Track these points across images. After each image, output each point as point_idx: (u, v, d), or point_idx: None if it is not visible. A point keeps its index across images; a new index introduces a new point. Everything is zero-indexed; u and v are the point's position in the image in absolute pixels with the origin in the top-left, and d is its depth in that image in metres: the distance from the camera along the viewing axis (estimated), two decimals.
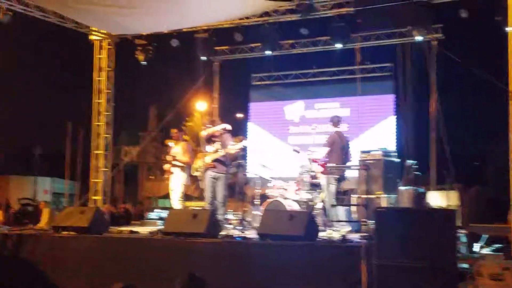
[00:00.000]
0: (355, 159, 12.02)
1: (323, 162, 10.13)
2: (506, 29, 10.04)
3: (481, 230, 9.00)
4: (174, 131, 11.41)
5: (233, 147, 10.16)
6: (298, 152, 10.96)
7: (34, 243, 9.33)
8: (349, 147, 10.31)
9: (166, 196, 31.91)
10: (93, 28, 14.34)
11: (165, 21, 13.03)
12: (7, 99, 23.88)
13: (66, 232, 9.32)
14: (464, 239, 8.50)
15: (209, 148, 10.12)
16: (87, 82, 14.95)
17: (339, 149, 9.75)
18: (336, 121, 10.13)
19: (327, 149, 9.82)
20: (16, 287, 8.70)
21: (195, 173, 10.37)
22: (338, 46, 14.03)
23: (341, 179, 10.02)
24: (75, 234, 9.23)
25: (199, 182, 10.49)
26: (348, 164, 10.39)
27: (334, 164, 9.89)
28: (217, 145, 10.11)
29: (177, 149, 10.97)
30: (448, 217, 6.76)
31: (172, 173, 10.90)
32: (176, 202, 10.88)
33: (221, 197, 10.02)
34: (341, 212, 9.79)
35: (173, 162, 10.81)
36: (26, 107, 25.10)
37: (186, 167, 10.78)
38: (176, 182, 10.88)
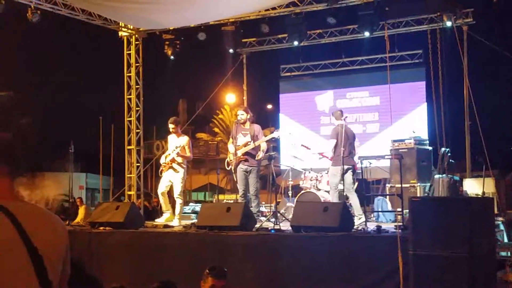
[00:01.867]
0: (387, 148, 11.97)
1: (331, 156, 10.04)
2: None
3: None
4: (172, 123, 10.43)
5: (263, 139, 10.11)
6: (309, 149, 10.92)
7: (72, 239, 9.43)
8: (354, 140, 10.15)
9: (200, 189, 32.25)
10: (122, 24, 14.45)
11: (191, 15, 13.06)
12: (40, 97, 24.25)
13: (103, 228, 9.45)
14: (502, 226, 8.39)
15: (239, 141, 10.09)
16: (118, 78, 15.08)
17: (342, 141, 9.59)
18: (338, 114, 10.00)
19: (334, 141, 9.70)
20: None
21: (228, 167, 10.29)
22: (366, 34, 13.90)
23: (352, 169, 9.87)
24: (111, 230, 9.35)
25: (232, 175, 10.41)
26: (373, 154, 10.30)
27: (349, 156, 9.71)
28: (247, 137, 10.06)
29: (178, 143, 10.25)
30: (485, 205, 6.68)
31: (172, 167, 10.24)
32: (176, 196, 10.32)
33: (253, 190, 10.00)
34: (354, 202, 9.69)
35: (175, 157, 10.16)
36: (59, 104, 25.49)
37: (185, 162, 10.39)
38: (177, 177, 10.27)
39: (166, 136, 11.08)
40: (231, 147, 10.22)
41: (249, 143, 9.99)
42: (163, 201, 10.41)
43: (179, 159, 10.20)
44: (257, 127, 10.22)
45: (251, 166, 10.00)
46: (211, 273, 4.67)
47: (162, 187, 10.35)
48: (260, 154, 9.99)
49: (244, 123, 10.15)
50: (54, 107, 25.65)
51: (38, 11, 12.51)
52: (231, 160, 10.11)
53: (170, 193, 10.35)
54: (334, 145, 9.70)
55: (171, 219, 10.17)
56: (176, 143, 10.22)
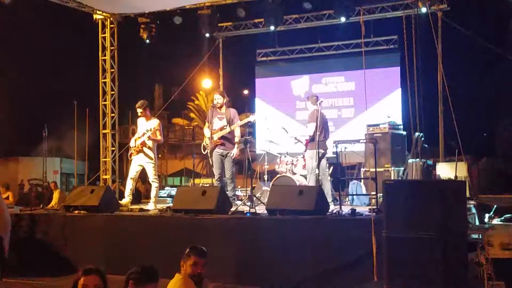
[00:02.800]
0: (362, 132, 12.07)
1: (306, 139, 10.15)
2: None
3: (491, 201, 9.01)
4: (140, 108, 10.28)
5: (239, 123, 10.11)
6: (287, 132, 10.99)
7: (46, 223, 9.44)
8: (327, 124, 10.31)
9: (175, 174, 32.17)
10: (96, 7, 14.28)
11: None
12: (13, 81, 23.92)
13: (77, 211, 9.42)
14: (473, 209, 8.52)
15: (215, 125, 10.07)
16: (93, 62, 14.93)
17: (319, 126, 9.73)
18: (314, 99, 10.11)
19: (314, 124, 9.80)
20: (27, 267, 8.82)
21: (204, 151, 10.27)
22: (342, 19, 13.93)
23: (325, 154, 10.05)
24: (86, 213, 9.32)
25: (208, 159, 10.39)
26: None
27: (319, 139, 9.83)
28: (223, 121, 10.05)
29: (149, 126, 10.15)
30: (458, 189, 6.76)
31: (142, 150, 10.16)
32: (151, 180, 10.33)
33: (229, 174, 10.02)
34: (327, 188, 9.83)
35: (146, 140, 10.10)
36: (33, 88, 25.16)
37: (155, 145, 10.31)
38: (149, 161, 10.19)
39: None
40: (206, 131, 10.20)
41: (225, 127, 9.99)
42: (130, 186, 10.31)
43: (150, 143, 10.14)
44: (233, 111, 10.21)
45: (227, 150, 10.01)
46: (193, 251, 4.72)
47: (132, 173, 10.31)
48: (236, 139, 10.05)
49: (220, 107, 10.13)
50: (28, 91, 25.34)
51: None
52: (207, 144, 10.10)
53: (144, 178, 10.27)
54: (314, 128, 9.78)
55: (128, 205, 10.13)
56: (147, 127, 10.15)
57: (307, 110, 10.31)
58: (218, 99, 10.12)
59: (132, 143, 10.42)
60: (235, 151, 9.99)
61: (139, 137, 10.22)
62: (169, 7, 14.08)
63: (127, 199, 10.24)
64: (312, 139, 9.87)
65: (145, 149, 10.16)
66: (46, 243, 9.26)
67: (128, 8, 13.95)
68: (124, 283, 4.10)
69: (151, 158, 10.20)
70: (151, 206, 10.07)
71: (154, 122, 10.21)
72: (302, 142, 10.37)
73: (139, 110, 10.30)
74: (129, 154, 10.44)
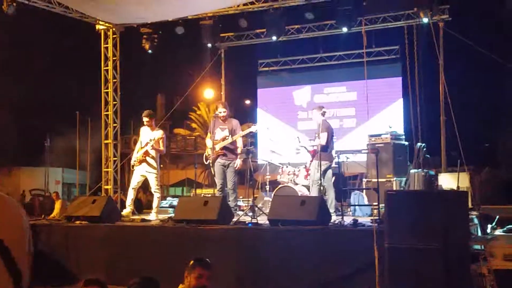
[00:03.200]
0: (363, 143, 12.06)
1: (312, 150, 10.16)
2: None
3: (493, 212, 8.99)
4: (147, 117, 10.28)
5: (241, 133, 10.12)
6: (300, 142, 10.96)
7: (48, 233, 9.42)
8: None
9: (177, 184, 32.15)
10: (99, 18, 14.33)
11: (169, 9, 13.00)
12: (16, 91, 23.97)
13: (79, 222, 9.40)
14: (476, 220, 8.50)
15: (217, 136, 10.08)
16: (95, 72, 14.96)
17: (330, 136, 9.81)
18: (324, 111, 10.16)
19: (326, 134, 9.82)
20: (31, 277, 8.79)
21: (206, 162, 10.27)
22: (344, 30, 13.97)
23: (331, 164, 10.06)
24: (87, 224, 9.30)
25: (210, 169, 10.39)
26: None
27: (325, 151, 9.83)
28: (225, 132, 10.06)
29: (153, 136, 10.18)
30: (460, 199, 6.76)
31: (145, 160, 10.19)
32: (153, 190, 10.36)
33: (231, 184, 10.02)
34: (332, 196, 9.85)
35: (149, 150, 10.10)
36: (35, 99, 25.19)
37: (158, 155, 10.34)
38: (151, 171, 10.23)
39: None
40: (209, 142, 10.21)
41: (227, 137, 10.01)
42: (131, 196, 10.31)
43: (153, 153, 10.14)
44: (235, 121, 10.23)
45: (229, 160, 10.01)
46: (199, 263, 4.66)
47: (134, 182, 10.31)
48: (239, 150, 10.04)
49: (223, 118, 10.15)
50: (30, 102, 25.37)
51: (14, 3, 12.32)
52: (209, 155, 10.10)
53: (146, 188, 10.26)
54: (326, 138, 9.81)
55: (129, 215, 10.11)
56: (150, 136, 10.16)
57: (309, 120, 10.36)
58: (222, 111, 10.13)
59: (134, 153, 10.42)
60: (238, 162, 9.98)
61: (141, 147, 10.22)
62: (171, 18, 14.10)
63: (128, 209, 10.23)
64: (324, 149, 9.84)
65: (148, 158, 10.16)
66: (47, 253, 9.23)
67: (131, 19, 13.99)
68: None
69: (153, 168, 10.19)
70: (153, 216, 10.06)
71: (159, 133, 10.23)
72: (309, 152, 10.35)
73: (145, 119, 10.29)
74: (131, 164, 10.44)
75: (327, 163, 9.74)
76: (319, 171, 9.61)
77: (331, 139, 10.00)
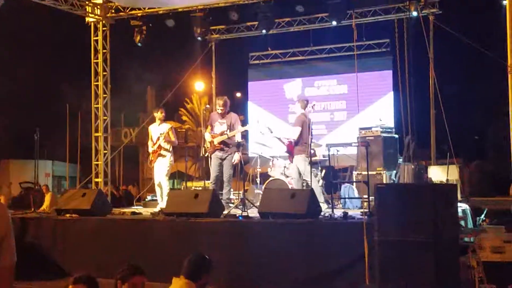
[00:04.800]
0: (354, 136, 12.09)
1: (287, 143, 10.25)
2: (503, 1, 9.99)
3: (482, 203, 9.05)
4: (160, 110, 10.66)
5: (238, 130, 10.14)
6: (271, 132, 11.02)
7: (37, 227, 9.40)
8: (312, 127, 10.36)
9: (168, 177, 32.10)
10: (89, 10, 14.26)
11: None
12: (5, 83, 23.80)
13: (69, 215, 9.38)
14: (466, 212, 8.56)
15: (216, 129, 10.15)
16: (85, 65, 14.89)
17: (307, 129, 9.84)
18: (303, 103, 10.20)
19: (299, 129, 9.87)
20: (19, 271, 8.76)
21: (206, 154, 10.31)
22: (334, 23, 13.97)
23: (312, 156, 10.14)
24: (77, 217, 9.28)
25: (201, 162, 10.44)
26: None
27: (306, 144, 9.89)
28: (224, 126, 10.11)
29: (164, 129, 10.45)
30: (449, 192, 6.80)
31: (162, 154, 10.44)
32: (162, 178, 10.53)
33: (227, 177, 10.09)
34: (318, 190, 9.89)
35: (162, 144, 10.37)
36: (24, 91, 25.03)
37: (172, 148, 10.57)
38: (165, 161, 10.48)
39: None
40: (207, 135, 10.24)
41: (225, 132, 10.03)
42: (159, 193, 10.52)
43: (166, 146, 10.36)
44: (234, 116, 10.26)
45: (226, 154, 10.07)
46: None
47: (157, 178, 10.50)
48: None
49: (222, 113, 10.20)
50: (20, 94, 25.21)
51: None
52: (208, 147, 10.16)
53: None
54: (299, 133, 9.83)
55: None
56: (160, 131, 10.39)
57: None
58: (220, 108, 10.17)
59: (150, 150, 10.63)
60: (236, 157, 10.03)
61: (154, 143, 10.44)
62: (161, 6, 14.07)
63: (162, 205, 10.13)
64: (296, 143, 9.92)
65: (162, 152, 10.37)
66: (37, 246, 9.20)
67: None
68: (114, 287, 4.10)
69: (166, 159, 10.43)
70: (163, 204, 10.02)
71: (167, 126, 10.49)
72: (284, 144, 10.42)
73: (161, 114, 10.51)
74: (149, 161, 10.64)
75: (302, 156, 9.83)
76: (307, 164, 9.65)
77: (307, 132, 9.98)
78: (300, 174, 9.98)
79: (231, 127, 10.08)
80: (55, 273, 8.63)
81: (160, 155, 10.39)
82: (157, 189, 10.58)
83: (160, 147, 10.34)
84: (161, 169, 10.44)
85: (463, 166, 11.10)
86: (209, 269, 4.70)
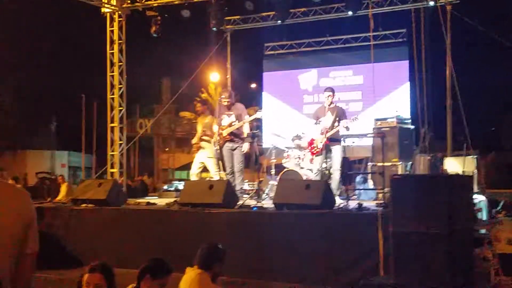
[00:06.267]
0: (370, 126, 12.01)
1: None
2: None
3: (498, 195, 8.98)
4: (198, 104, 11.03)
5: (245, 120, 10.13)
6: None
7: (53, 216, 9.48)
8: None
9: (182, 168, 32.29)
10: (104, 0, 14.29)
11: None
12: (22, 75, 23.98)
13: (85, 205, 9.45)
14: (481, 204, 8.49)
15: (224, 121, 10.13)
16: (101, 55, 14.95)
17: None
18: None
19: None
20: (37, 260, 8.83)
21: (215, 146, 10.33)
22: (351, 13, 13.87)
23: None
24: (93, 207, 9.35)
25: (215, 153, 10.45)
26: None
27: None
28: (232, 118, 10.09)
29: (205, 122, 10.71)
30: (465, 183, 6.76)
31: (203, 147, 10.69)
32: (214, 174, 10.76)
33: (238, 167, 10.08)
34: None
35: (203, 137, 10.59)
36: (41, 82, 25.22)
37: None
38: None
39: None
40: (215, 128, 10.24)
41: (233, 123, 10.03)
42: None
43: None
44: (241, 106, 10.23)
45: (236, 144, 10.06)
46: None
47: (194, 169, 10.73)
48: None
49: (228, 105, 10.18)
50: (36, 85, 25.41)
51: None
52: (216, 140, 10.15)
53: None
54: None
55: None
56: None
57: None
58: (226, 99, 10.16)
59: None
60: (246, 146, 10.01)
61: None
62: None
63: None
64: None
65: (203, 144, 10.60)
66: (53, 236, 9.29)
67: None
68: (138, 278, 4.10)
69: (212, 154, 10.57)
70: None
71: (211, 119, 10.63)
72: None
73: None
74: (192, 151, 10.93)
75: (340, 146, 9.83)
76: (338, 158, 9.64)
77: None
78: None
79: (238, 118, 10.07)
80: (71, 262, 8.69)
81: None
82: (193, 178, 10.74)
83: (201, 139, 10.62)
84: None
85: (479, 157, 11.00)
86: (222, 258, 4.71)
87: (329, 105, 9.96)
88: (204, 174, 11.58)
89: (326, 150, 9.72)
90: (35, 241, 2.39)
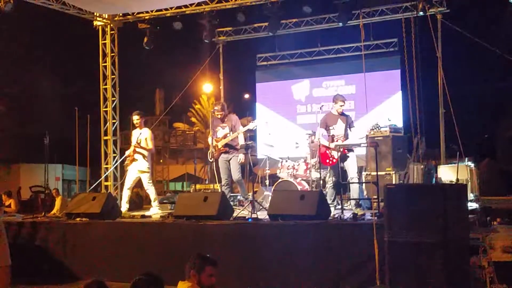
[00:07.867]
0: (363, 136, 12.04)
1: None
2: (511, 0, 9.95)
3: (492, 203, 9.00)
4: (137, 116, 10.77)
5: (240, 130, 10.18)
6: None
7: (48, 231, 9.43)
8: None
9: (177, 179, 32.23)
10: (97, 14, 14.32)
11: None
12: (15, 88, 23.94)
13: (79, 219, 9.41)
14: (475, 212, 8.51)
15: (219, 134, 10.19)
16: (94, 68, 14.96)
17: None
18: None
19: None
20: (30, 275, 8.79)
21: (211, 159, 10.33)
22: (342, 23, 13.94)
23: None
24: (87, 220, 9.31)
25: (209, 165, 10.48)
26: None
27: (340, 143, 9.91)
28: (226, 129, 10.16)
29: (142, 135, 10.61)
30: (459, 191, 6.75)
31: (136, 160, 10.57)
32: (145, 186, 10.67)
33: (237, 177, 10.14)
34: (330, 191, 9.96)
35: (137, 149, 10.52)
36: (34, 95, 25.18)
37: (149, 154, 10.64)
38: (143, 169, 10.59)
39: None
40: (210, 140, 10.28)
41: (228, 134, 10.10)
42: (126, 197, 10.57)
43: (143, 152, 10.45)
44: (234, 118, 10.31)
45: (231, 155, 10.11)
46: (210, 262, 4.50)
47: (128, 183, 10.57)
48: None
49: (221, 118, 10.26)
50: (29, 98, 25.37)
51: (11, 0, 12.31)
52: (212, 152, 10.19)
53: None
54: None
55: (126, 213, 10.26)
56: (139, 136, 10.54)
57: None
58: (219, 112, 10.25)
59: (127, 153, 10.75)
60: (241, 157, 10.07)
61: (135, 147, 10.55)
62: (156, 7, 14.10)
63: (124, 208, 10.31)
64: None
65: (137, 157, 10.47)
66: (48, 250, 9.25)
67: (115, 10, 13.96)
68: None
69: (145, 167, 10.46)
70: (154, 210, 10.13)
71: (146, 131, 10.57)
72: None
73: (136, 118, 10.69)
74: (125, 164, 10.65)
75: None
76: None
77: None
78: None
79: (232, 129, 10.20)
80: (66, 277, 8.66)
81: (134, 160, 10.54)
82: (124, 193, 10.64)
83: (135, 152, 10.50)
84: (142, 179, 10.56)
85: (474, 165, 11.03)
86: (207, 261, 4.63)
87: (340, 113, 10.08)
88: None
89: (341, 159, 9.84)
90: (5, 257, 2.38)
